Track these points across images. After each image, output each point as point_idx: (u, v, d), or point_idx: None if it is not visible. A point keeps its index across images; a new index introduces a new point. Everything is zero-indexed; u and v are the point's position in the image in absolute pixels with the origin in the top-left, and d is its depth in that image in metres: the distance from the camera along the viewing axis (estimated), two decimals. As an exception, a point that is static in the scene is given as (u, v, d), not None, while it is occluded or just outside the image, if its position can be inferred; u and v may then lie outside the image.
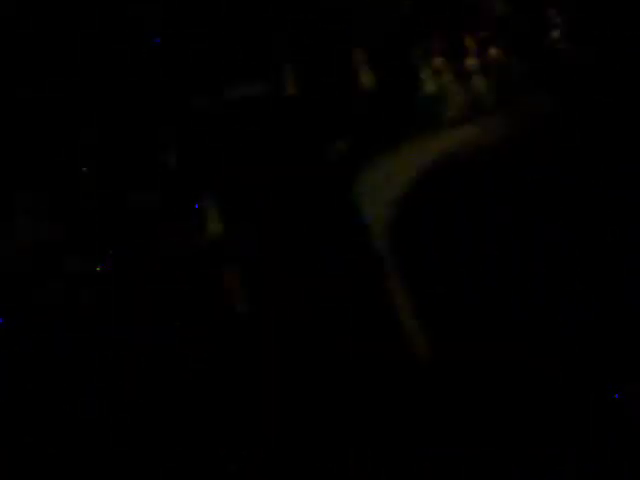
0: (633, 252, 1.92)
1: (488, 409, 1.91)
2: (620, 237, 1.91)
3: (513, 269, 1.93)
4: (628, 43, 1.96)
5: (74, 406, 1.96)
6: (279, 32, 2.08)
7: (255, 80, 2.09)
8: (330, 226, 2.02)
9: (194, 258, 2.03)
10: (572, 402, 1.89)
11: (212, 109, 2.09)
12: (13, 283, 2.01)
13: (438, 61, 2.09)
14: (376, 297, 1.97)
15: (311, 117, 2.08)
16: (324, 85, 2.08)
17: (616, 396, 1.87)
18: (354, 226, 2.01)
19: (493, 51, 2.06)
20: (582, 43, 2.01)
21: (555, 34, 2.06)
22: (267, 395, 1.97)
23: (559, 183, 1.93)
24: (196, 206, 2.05)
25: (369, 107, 2.07)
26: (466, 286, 1.94)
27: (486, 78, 2.07)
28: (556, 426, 1.89)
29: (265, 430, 1.95)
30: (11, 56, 2.07)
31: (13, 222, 2.03)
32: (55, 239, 2.04)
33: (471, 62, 2.08)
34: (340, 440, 1.93)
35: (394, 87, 2.08)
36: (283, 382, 1.96)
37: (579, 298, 1.93)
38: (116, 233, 2.05)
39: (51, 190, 2.05)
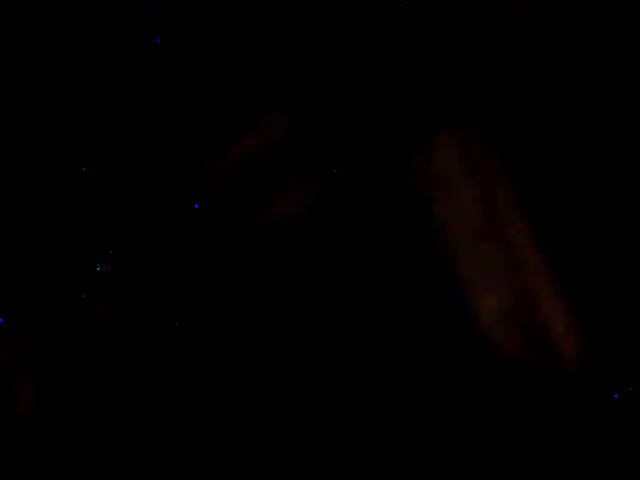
0: None
1: (485, 409, 1.92)
2: None
3: None
4: None
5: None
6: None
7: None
8: None
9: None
10: (572, 402, 1.90)
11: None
12: (13, 282, 2.02)
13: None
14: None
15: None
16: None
17: (616, 396, 1.88)
18: None
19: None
20: None
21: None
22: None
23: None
24: (196, 206, 2.06)
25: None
26: None
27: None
28: (556, 426, 1.90)
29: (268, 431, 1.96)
30: (11, 55, 2.07)
31: (13, 222, 2.04)
32: (56, 240, 2.04)
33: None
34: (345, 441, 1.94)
35: None
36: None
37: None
38: (117, 233, 2.06)
39: (52, 190, 2.06)
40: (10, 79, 2.07)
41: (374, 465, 1.92)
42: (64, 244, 2.04)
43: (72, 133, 2.08)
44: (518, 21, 2.00)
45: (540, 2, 2.00)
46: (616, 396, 1.87)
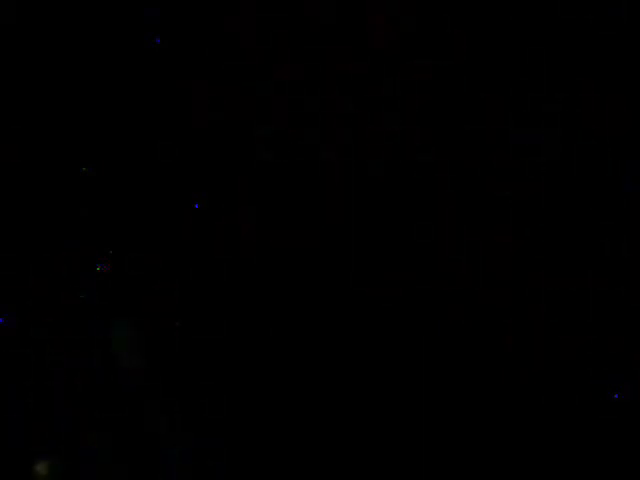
0: None
1: (482, 410, 1.92)
2: None
3: None
4: None
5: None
6: None
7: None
8: None
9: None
10: (571, 402, 1.89)
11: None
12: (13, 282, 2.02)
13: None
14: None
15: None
16: None
17: (616, 396, 1.87)
18: None
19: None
20: None
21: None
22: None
23: None
24: (196, 206, 2.06)
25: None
26: None
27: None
28: (555, 427, 1.89)
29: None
30: (11, 55, 2.07)
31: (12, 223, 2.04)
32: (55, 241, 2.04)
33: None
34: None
35: None
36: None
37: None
38: (117, 233, 2.06)
39: (52, 190, 2.06)
40: (10, 79, 2.07)
41: (376, 464, 1.92)
42: (64, 244, 2.04)
43: (72, 133, 2.08)
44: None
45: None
46: (616, 396, 1.87)
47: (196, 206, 2.06)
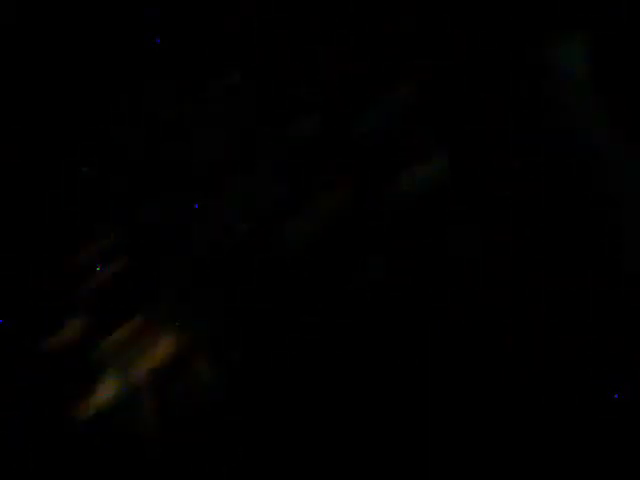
0: None
1: (486, 410, 1.92)
2: None
3: None
4: None
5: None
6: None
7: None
8: None
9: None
10: (571, 402, 1.90)
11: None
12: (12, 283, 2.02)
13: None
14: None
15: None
16: None
17: (616, 396, 1.88)
18: None
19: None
20: None
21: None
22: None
23: None
24: (196, 206, 2.06)
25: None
26: None
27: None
28: (555, 427, 1.89)
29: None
30: (11, 55, 2.07)
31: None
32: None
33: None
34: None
35: None
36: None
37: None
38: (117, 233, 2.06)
39: (51, 190, 2.06)
40: (10, 79, 2.07)
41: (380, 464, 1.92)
42: (64, 244, 2.04)
43: (72, 133, 2.08)
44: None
45: None
46: (616, 396, 1.87)
47: (196, 206, 2.07)
